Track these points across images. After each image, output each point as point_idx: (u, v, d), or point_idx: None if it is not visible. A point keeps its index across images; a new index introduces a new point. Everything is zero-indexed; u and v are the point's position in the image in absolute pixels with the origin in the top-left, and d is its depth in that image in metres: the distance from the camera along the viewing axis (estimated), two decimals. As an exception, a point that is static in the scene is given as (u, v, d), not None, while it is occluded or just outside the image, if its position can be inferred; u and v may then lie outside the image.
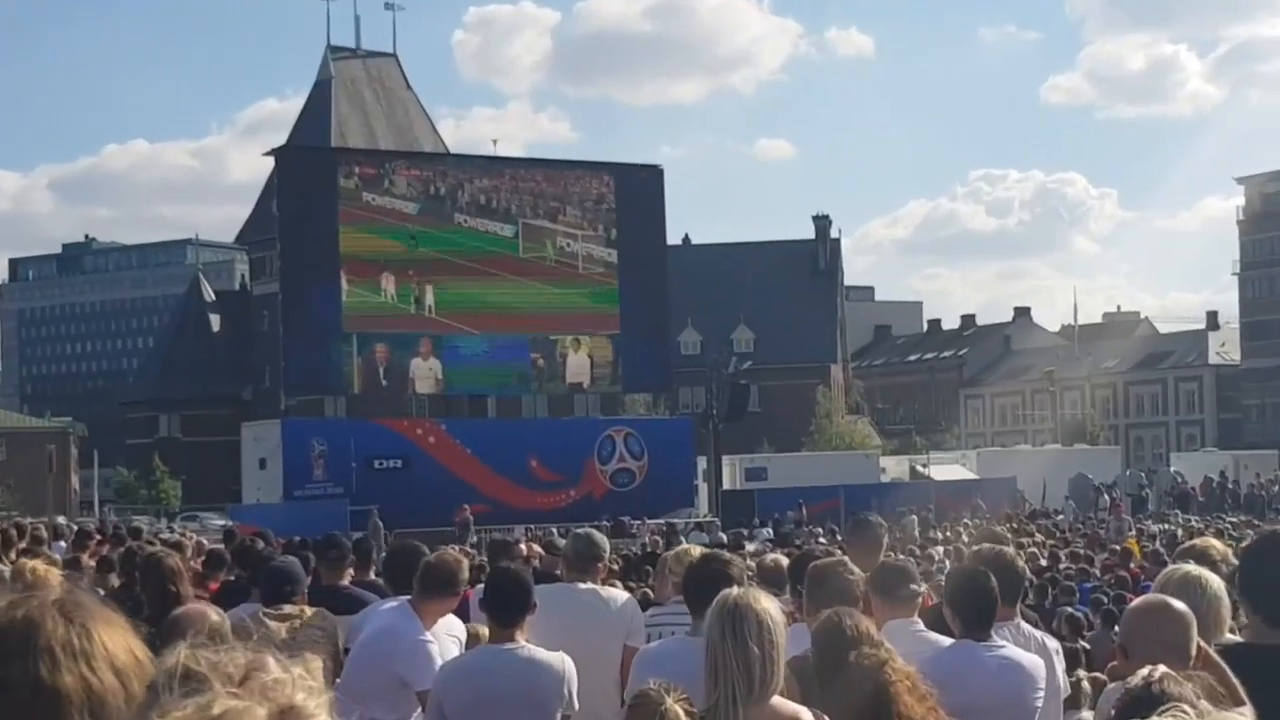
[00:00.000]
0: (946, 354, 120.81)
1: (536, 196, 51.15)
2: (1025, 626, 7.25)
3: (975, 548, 8.52)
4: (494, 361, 49.60)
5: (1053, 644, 7.40)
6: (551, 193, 51.36)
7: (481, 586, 8.03)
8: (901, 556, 10.29)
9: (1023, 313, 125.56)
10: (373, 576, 10.13)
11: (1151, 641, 4.73)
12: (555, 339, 50.78)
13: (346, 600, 9.05)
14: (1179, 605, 4.97)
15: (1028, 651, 6.72)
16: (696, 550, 8.29)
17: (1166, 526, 32.12)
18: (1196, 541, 8.52)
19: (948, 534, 27.47)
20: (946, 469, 58.59)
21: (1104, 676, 8.82)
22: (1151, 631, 4.85)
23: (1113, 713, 3.71)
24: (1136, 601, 5.53)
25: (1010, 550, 8.12)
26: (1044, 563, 19.77)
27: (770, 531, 37.50)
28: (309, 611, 7.80)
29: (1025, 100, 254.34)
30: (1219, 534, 20.97)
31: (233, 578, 11.35)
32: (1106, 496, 50.28)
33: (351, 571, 9.94)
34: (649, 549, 24.23)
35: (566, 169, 53.31)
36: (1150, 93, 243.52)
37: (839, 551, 8.91)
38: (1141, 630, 4.92)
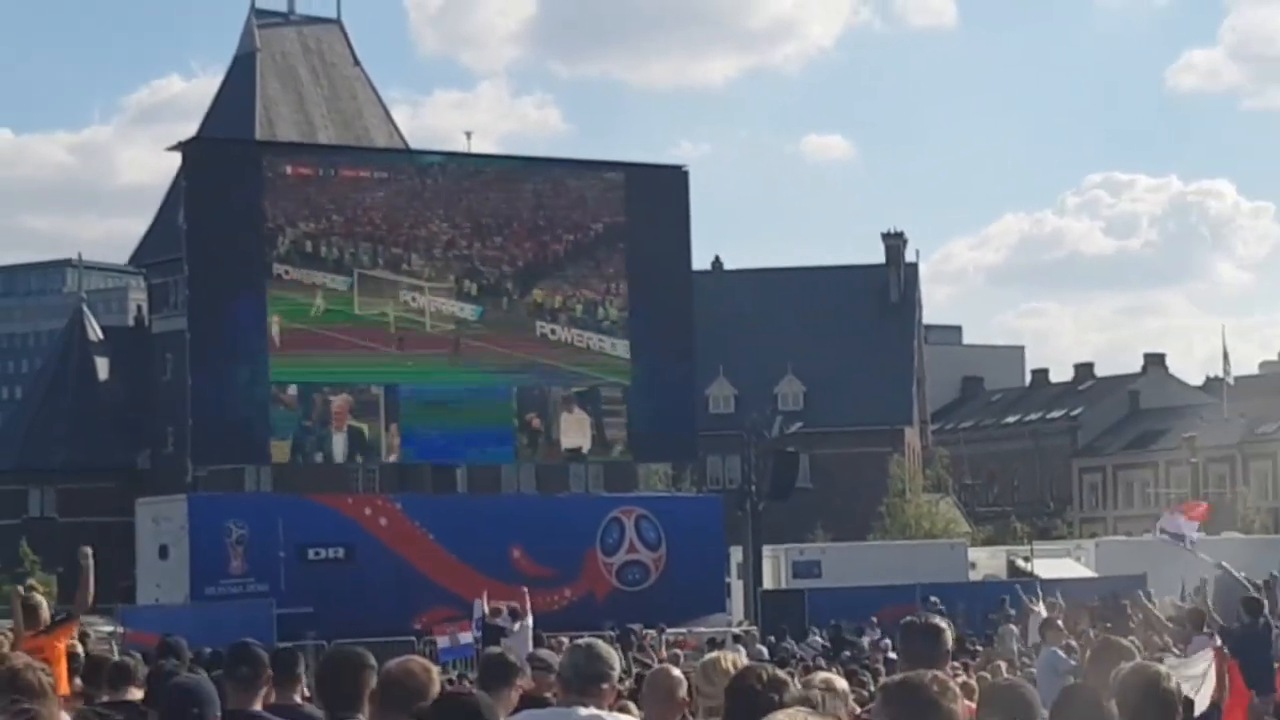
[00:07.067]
0: (1056, 414, 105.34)
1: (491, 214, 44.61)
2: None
3: (1113, 670, 7.11)
4: (466, 406, 43.89)
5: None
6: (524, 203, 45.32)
7: None
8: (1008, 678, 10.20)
9: (1155, 361, 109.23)
10: (298, 700, 9.00)
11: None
12: (545, 388, 44.78)
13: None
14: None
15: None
16: (729, 659, 7.37)
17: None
18: None
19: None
20: (1055, 564, 51.17)
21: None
22: None
23: None
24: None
25: (1162, 670, 6.96)
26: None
27: (823, 638, 34.60)
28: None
29: (1151, 85, 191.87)
30: None
31: (125, 697, 10.16)
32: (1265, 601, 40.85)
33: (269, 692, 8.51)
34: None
35: (557, 171, 47.21)
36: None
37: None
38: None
